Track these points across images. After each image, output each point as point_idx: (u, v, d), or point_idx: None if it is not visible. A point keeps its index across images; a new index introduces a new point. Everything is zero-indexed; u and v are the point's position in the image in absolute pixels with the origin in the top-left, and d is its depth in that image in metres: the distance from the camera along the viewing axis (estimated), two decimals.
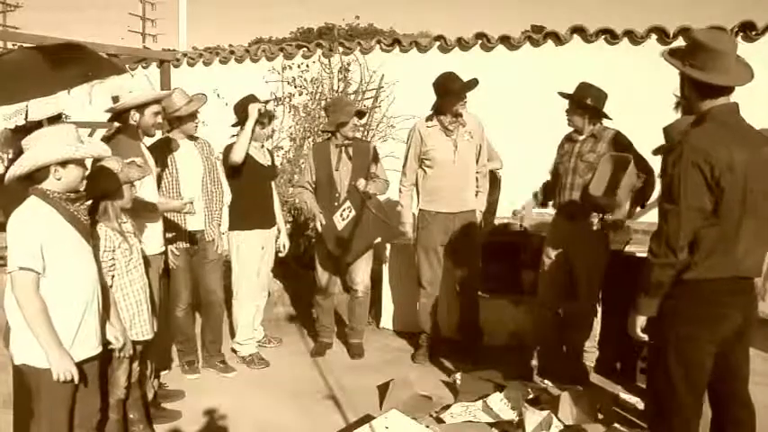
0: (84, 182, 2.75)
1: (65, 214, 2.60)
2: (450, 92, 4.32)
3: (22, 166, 2.56)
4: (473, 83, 4.33)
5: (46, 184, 2.60)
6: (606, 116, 4.02)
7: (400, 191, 4.63)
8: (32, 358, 2.58)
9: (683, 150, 2.37)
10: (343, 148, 4.53)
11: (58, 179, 2.60)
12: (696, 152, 2.35)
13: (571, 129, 4.14)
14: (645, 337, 2.56)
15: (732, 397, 2.62)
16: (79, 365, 2.61)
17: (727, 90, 2.47)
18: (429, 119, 4.48)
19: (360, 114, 4.64)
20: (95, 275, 2.74)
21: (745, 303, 2.53)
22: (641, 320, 2.55)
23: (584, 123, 4.02)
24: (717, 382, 2.56)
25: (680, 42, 5.20)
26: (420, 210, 4.55)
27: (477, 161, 4.52)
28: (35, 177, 2.59)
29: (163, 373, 4.13)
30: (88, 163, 2.86)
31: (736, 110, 2.49)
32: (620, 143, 3.99)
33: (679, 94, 2.63)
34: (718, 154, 2.33)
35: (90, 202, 2.85)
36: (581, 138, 4.07)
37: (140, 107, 3.57)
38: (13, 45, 5.96)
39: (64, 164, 2.59)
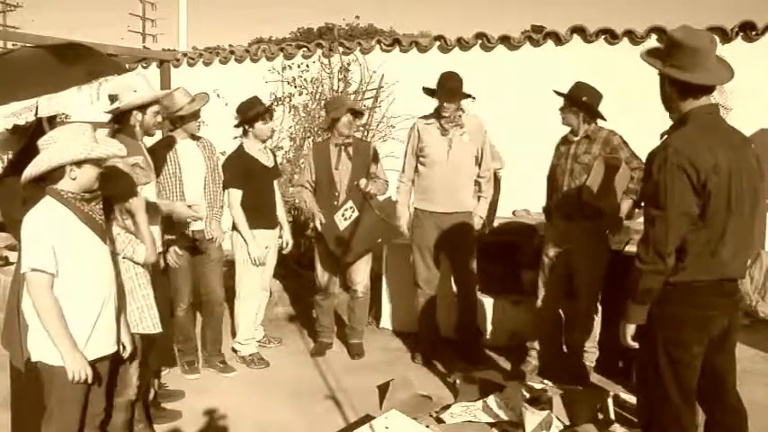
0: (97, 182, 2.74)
1: (79, 215, 2.61)
2: (439, 89, 4.32)
3: (37, 167, 2.57)
4: (463, 94, 4.32)
5: (61, 185, 2.60)
6: (601, 116, 4.02)
7: (398, 187, 4.63)
8: (47, 356, 2.59)
9: (667, 155, 2.34)
10: (342, 147, 4.53)
11: (74, 179, 2.59)
12: (681, 156, 2.32)
13: (568, 130, 4.14)
14: (635, 344, 2.54)
15: (720, 403, 2.60)
16: (93, 364, 2.61)
17: (709, 89, 2.44)
18: (429, 116, 4.48)
19: (355, 113, 4.60)
20: (112, 275, 2.74)
21: (731, 305, 2.52)
22: (631, 328, 2.53)
23: (578, 122, 4.03)
24: (703, 388, 2.55)
25: None
26: (414, 208, 4.55)
27: (479, 165, 4.48)
28: (51, 177, 2.59)
29: (163, 373, 4.13)
30: None
31: (716, 111, 2.48)
32: (614, 143, 4.00)
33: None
34: (703, 157, 2.31)
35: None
36: (575, 139, 4.07)
37: (142, 107, 3.58)
38: (14, 45, 5.96)
39: (79, 164, 2.59)
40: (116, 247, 2.92)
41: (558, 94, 4.06)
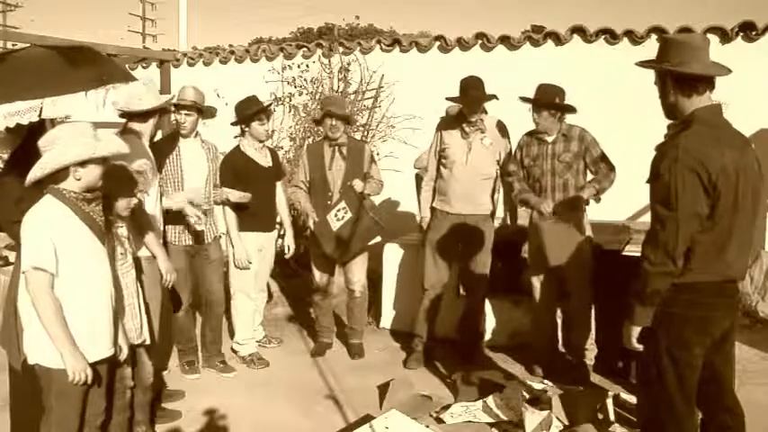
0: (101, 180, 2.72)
1: (80, 215, 2.59)
2: (461, 97, 4.28)
3: (42, 169, 2.55)
4: (486, 98, 4.27)
5: (64, 185, 2.58)
6: (574, 109, 4.04)
7: (422, 186, 4.62)
8: (45, 358, 2.57)
9: (677, 155, 2.33)
10: (336, 147, 4.52)
11: (78, 179, 2.58)
12: (691, 156, 2.31)
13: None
14: (640, 347, 2.53)
15: (718, 403, 2.60)
16: (92, 366, 2.60)
17: (709, 83, 2.44)
18: (452, 117, 4.45)
19: (333, 116, 4.46)
20: (110, 277, 2.73)
21: (732, 306, 2.53)
22: (636, 330, 2.51)
23: (555, 123, 4.04)
24: (702, 389, 2.54)
25: None
26: (432, 207, 4.54)
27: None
28: (55, 178, 2.58)
29: (163, 373, 4.12)
30: None
31: (719, 111, 2.48)
32: (588, 140, 4.06)
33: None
34: (713, 157, 2.31)
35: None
36: (550, 138, 4.08)
37: (164, 110, 3.64)
38: (14, 45, 5.95)
39: (84, 163, 2.58)
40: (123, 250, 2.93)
41: (526, 100, 4.07)
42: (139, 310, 3.12)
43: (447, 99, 4.39)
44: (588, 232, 4.13)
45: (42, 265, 2.50)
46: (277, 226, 4.78)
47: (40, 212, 2.56)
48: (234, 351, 4.65)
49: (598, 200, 4.06)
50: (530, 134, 4.22)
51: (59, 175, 2.57)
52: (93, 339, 2.63)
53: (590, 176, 4.15)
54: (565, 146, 4.05)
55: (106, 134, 2.94)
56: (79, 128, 2.69)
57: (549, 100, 4.00)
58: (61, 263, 2.53)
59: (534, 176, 4.15)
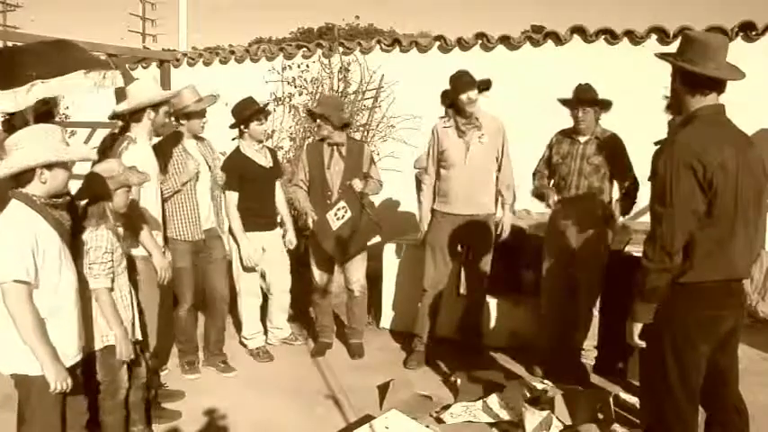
0: (68, 185, 2.70)
1: (49, 220, 2.55)
2: (454, 86, 4.25)
3: (8, 168, 2.52)
4: (480, 82, 4.22)
5: (30, 188, 2.54)
6: (609, 105, 4.04)
7: (421, 188, 4.61)
8: (21, 367, 2.55)
9: (673, 151, 2.34)
10: (335, 147, 4.52)
11: (43, 182, 2.54)
12: (688, 152, 2.32)
13: (562, 127, 4.15)
14: (642, 343, 2.54)
15: (721, 402, 2.61)
16: (68, 370, 2.59)
17: (719, 87, 2.44)
18: (447, 117, 4.43)
19: (321, 117, 4.47)
20: (76, 280, 2.70)
21: (737, 305, 2.52)
22: (638, 327, 2.51)
23: (593, 122, 4.03)
24: (706, 388, 2.54)
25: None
26: (433, 209, 4.52)
27: (499, 168, 4.41)
28: (19, 180, 2.54)
29: (163, 373, 4.13)
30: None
31: (722, 111, 2.48)
32: (620, 148, 4.03)
33: (669, 94, 2.59)
34: (709, 154, 2.31)
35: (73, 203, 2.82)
36: (583, 139, 4.06)
37: (155, 106, 3.61)
38: (14, 45, 5.96)
39: (50, 167, 2.54)
40: (105, 248, 2.92)
41: (566, 101, 4.04)
42: (132, 309, 3.12)
43: (443, 102, 4.37)
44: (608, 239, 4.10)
45: (23, 277, 2.44)
46: (279, 225, 4.79)
47: (13, 220, 2.50)
48: (242, 344, 4.73)
49: (624, 213, 4.11)
50: (562, 132, 4.21)
51: (24, 177, 2.53)
52: (66, 344, 2.61)
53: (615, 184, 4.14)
54: (597, 149, 4.03)
55: (75, 141, 2.94)
56: (48, 130, 2.65)
57: (591, 97, 3.98)
58: (38, 270, 2.49)
59: (560, 174, 4.13)
